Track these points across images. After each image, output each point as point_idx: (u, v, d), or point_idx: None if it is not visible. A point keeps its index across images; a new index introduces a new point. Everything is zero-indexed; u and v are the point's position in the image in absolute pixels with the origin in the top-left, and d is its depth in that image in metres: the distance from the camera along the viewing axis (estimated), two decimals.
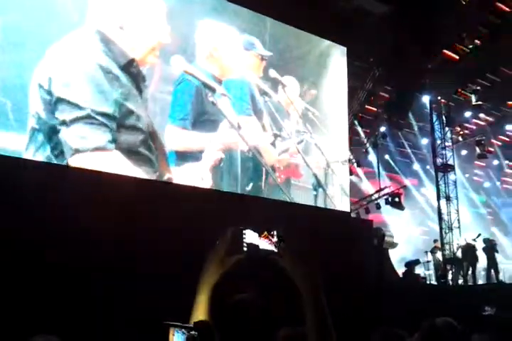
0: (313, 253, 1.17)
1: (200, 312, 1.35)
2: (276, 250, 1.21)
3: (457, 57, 11.33)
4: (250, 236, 1.23)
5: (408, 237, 13.23)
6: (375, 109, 13.75)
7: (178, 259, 5.02)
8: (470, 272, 11.62)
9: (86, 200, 5.21)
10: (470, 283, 11.35)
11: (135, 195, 5.65)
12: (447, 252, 12.27)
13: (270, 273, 2.62)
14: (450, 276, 11.79)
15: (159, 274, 5.04)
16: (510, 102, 14.56)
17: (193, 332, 1.11)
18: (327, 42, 9.93)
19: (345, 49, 10.26)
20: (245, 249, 1.23)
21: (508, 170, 19.51)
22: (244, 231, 1.24)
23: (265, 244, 1.22)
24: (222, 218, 4.94)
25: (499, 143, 17.88)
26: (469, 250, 11.53)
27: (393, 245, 10.90)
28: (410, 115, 14.56)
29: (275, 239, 1.22)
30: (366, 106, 13.61)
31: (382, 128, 14.12)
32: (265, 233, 1.24)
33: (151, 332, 1.36)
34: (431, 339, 1.61)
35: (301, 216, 7.33)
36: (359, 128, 13.85)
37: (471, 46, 11.17)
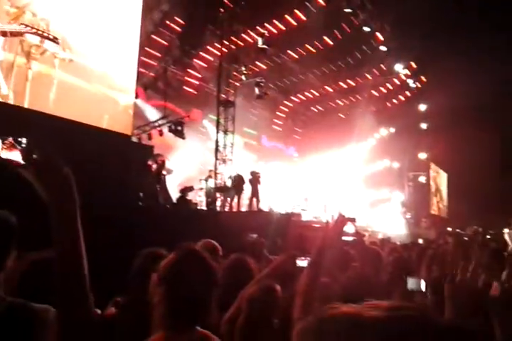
0: (59, 167, 1.00)
1: None
2: (21, 160, 0.99)
3: None
4: None
5: (186, 165, 13.71)
6: (168, 33, 13.26)
7: None
8: (236, 200, 12.92)
9: None
10: (234, 210, 12.61)
11: None
12: (219, 181, 13.27)
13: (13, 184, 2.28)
14: (219, 203, 12.87)
15: None
16: None
17: None
18: None
19: None
20: None
21: (279, 114, 21.90)
22: None
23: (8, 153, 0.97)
24: None
25: (275, 88, 19.78)
26: (238, 180, 12.73)
27: (170, 172, 11.14)
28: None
29: (22, 148, 1.01)
30: (160, 29, 13.01)
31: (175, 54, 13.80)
32: (10, 140, 0.96)
33: None
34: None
35: (78, 134, 6.77)
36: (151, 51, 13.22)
37: None
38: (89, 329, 1.04)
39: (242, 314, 2.18)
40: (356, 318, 0.53)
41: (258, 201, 13.08)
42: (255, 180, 13.12)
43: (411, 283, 2.32)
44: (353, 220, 2.06)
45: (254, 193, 13.04)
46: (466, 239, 10.41)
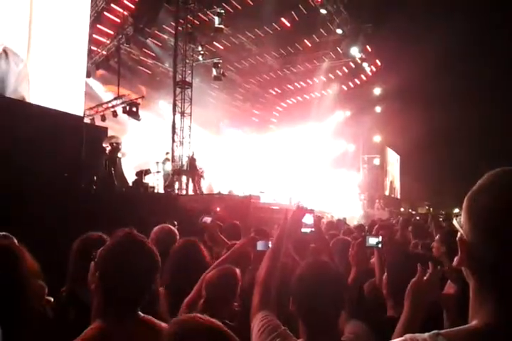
0: None
1: None
2: None
3: None
4: None
5: (142, 147, 13.38)
6: (121, 10, 12.73)
7: None
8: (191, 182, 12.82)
9: None
10: (191, 193, 12.51)
11: None
12: (176, 164, 13.07)
13: None
14: (177, 186, 12.71)
15: None
16: None
17: None
18: None
19: None
20: None
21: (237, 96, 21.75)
22: None
23: None
24: None
25: (232, 69, 19.55)
26: (190, 162, 12.61)
27: (125, 154, 10.85)
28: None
29: None
30: (112, 5, 12.47)
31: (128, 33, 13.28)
32: None
33: None
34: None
35: (26, 114, 6.43)
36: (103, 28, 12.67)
37: None
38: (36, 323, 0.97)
39: (202, 298, 2.16)
40: None
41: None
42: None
43: (370, 240, 2.50)
44: (310, 212, 2.07)
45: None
46: (418, 218, 10.83)
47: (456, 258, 0.87)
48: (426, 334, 0.83)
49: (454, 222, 0.89)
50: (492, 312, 0.82)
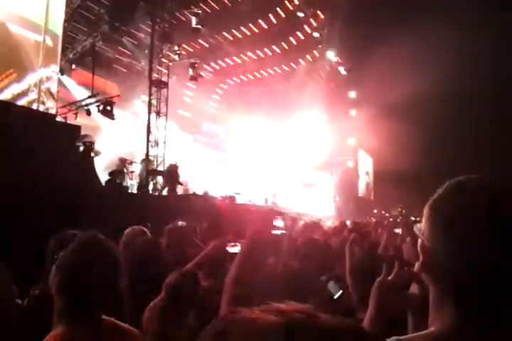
0: None
1: None
2: None
3: None
4: None
5: (115, 147, 13.18)
6: (97, 8, 12.53)
7: None
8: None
9: None
10: (165, 193, 12.37)
11: None
12: (152, 165, 12.94)
13: None
14: (151, 186, 12.57)
15: None
16: None
17: None
18: None
19: None
20: None
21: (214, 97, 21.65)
22: None
23: None
24: None
25: (210, 70, 19.49)
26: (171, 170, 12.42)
27: (98, 153, 10.67)
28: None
29: None
30: (87, 2, 12.26)
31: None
32: None
33: None
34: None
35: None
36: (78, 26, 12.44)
37: None
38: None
39: (161, 300, 2.16)
40: (250, 324, 0.52)
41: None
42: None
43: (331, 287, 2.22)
44: (281, 214, 2.10)
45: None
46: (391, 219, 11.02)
47: (416, 264, 0.91)
48: None
49: (415, 228, 0.92)
50: (450, 318, 0.85)
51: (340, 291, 2.02)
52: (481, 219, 0.81)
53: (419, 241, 0.90)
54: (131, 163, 12.24)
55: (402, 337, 0.86)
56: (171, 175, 12.17)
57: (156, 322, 2.04)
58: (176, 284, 2.16)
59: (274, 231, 2.13)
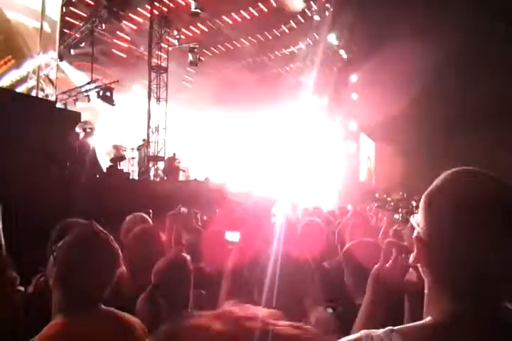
0: None
1: None
2: None
3: None
4: None
5: (118, 133, 13.14)
6: None
7: None
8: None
9: None
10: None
11: None
12: (152, 150, 12.92)
13: None
14: (152, 173, 12.58)
15: None
16: None
17: None
18: None
19: None
20: None
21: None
22: None
23: None
24: None
25: (210, 54, 19.27)
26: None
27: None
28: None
29: None
30: None
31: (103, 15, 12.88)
32: None
33: None
34: None
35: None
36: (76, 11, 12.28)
37: None
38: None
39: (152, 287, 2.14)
40: (202, 332, 0.52)
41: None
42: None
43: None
44: (281, 201, 2.08)
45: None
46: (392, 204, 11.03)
47: (412, 255, 0.90)
48: (380, 331, 0.85)
49: (411, 219, 0.92)
50: (445, 309, 0.85)
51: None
52: (476, 211, 0.81)
53: (415, 232, 0.89)
54: (125, 149, 12.20)
55: (396, 327, 0.85)
56: (171, 169, 12.19)
57: (146, 310, 2.04)
58: (167, 270, 2.14)
59: (274, 219, 2.12)
